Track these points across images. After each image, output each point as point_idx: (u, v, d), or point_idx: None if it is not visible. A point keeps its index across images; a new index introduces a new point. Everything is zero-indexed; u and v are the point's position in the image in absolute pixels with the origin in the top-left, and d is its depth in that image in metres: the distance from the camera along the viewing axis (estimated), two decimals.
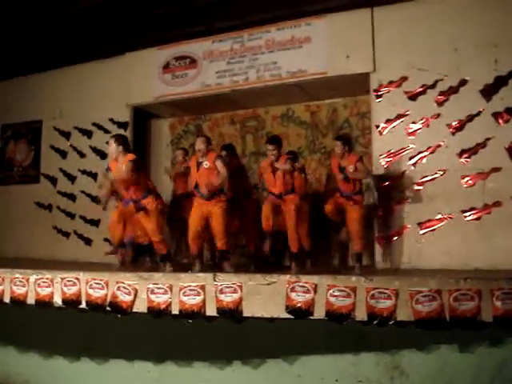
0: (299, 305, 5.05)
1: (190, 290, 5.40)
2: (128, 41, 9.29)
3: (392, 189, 7.13)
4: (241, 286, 5.25)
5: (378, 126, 7.32)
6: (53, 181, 9.76)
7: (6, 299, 6.31)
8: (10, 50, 9.85)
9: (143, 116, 9.60)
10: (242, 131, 9.38)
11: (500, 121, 6.64)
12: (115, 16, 8.83)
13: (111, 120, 9.21)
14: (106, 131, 9.23)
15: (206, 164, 6.47)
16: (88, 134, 9.47)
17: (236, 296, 5.27)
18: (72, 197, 9.50)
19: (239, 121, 9.42)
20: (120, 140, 6.66)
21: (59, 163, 9.72)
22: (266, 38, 8.05)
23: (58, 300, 6.01)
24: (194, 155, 6.91)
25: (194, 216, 6.50)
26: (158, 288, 5.57)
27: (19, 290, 6.25)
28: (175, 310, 5.48)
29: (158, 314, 5.56)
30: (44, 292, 6.11)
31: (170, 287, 5.51)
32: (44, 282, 6.12)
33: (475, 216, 6.67)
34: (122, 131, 8.98)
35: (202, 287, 5.39)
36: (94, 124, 9.39)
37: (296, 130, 8.93)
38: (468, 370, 5.07)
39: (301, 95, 8.50)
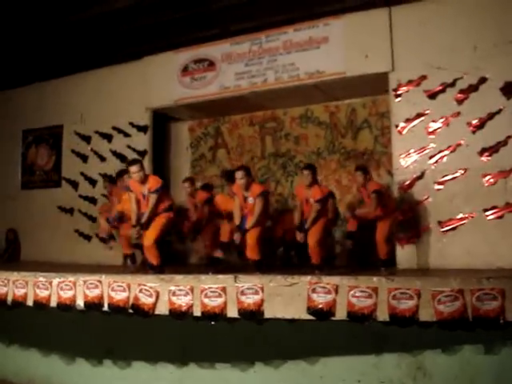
0: (320, 306, 5.03)
1: (212, 291, 5.41)
2: (145, 45, 9.40)
3: (412, 188, 7.10)
4: (262, 288, 5.25)
5: (397, 126, 7.29)
6: (74, 185, 9.84)
7: (30, 302, 6.37)
8: (30, 56, 9.98)
9: (163, 119, 9.67)
10: (261, 133, 9.38)
11: None
12: (132, 21, 8.91)
13: (131, 124, 9.28)
14: (126, 135, 9.33)
15: (251, 200, 6.42)
16: (108, 137, 9.55)
17: (257, 297, 5.26)
18: (93, 200, 9.57)
19: (258, 122, 9.43)
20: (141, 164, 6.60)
21: (80, 167, 9.81)
22: (284, 39, 8.05)
23: (80, 303, 6.05)
24: (235, 184, 6.68)
25: None
26: (180, 290, 5.58)
27: (42, 293, 6.30)
28: (197, 312, 5.49)
29: (179, 315, 5.57)
30: (66, 295, 6.16)
31: (192, 289, 5.52)
32: (66, 285, 6.17)
33: (497, 215, 6.61)
34: (141, 135, 9.09)
35: (223, 289, 5.39)
36: (114, 128, 9.48)
37: (315, 130, 8.92)
38: (491, 370, 5.01)
39: (319, 96, 8.49)
